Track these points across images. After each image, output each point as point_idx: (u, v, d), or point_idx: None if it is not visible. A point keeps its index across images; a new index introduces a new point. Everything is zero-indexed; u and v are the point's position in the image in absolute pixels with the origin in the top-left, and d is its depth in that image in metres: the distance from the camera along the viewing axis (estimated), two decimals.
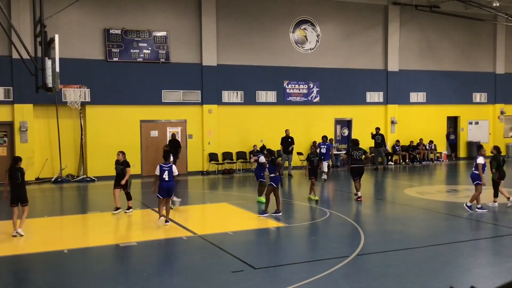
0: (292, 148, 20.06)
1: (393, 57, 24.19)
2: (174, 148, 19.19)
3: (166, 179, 10.78)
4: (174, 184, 11.04)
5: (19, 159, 10.22)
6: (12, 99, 18.00)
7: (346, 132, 24.05)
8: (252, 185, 19.07)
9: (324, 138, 18.94)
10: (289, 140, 20.00)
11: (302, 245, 9.81)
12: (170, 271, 7.83)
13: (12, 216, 10.05)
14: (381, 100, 24.28)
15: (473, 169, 12.30)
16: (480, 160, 12.14)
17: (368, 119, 23.60)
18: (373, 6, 23.74)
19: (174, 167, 10.95)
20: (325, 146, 18.59)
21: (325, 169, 18.70)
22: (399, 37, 24.26)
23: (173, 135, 19.80)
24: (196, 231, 10.33)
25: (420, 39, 24.93)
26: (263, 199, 12.74)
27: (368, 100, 24.01)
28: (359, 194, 13.78)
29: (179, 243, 9.65)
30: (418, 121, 25.01)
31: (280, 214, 11.85)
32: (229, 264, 8.05)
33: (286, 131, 20.19)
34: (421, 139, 24.88)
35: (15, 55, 16.40)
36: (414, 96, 25.04)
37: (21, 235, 9.91)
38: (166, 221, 10.81)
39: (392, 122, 24.34)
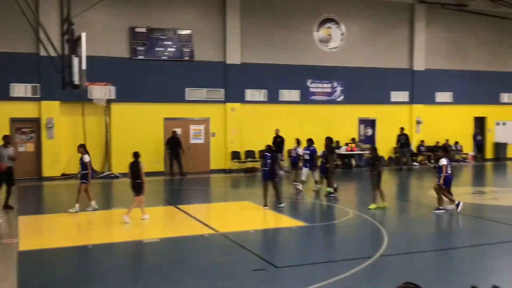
0: (282, 148, 19.81)
1: (419, 56, 23.85)
2: (173, 147, 19.18)
3: None
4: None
5: (137, 155, 11.33)
6: (39, 96, 18.33)
7: (370, 132, 23.82)
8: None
9: (309, 141, 15.59)
10: (278, 140, 19.77)
11: (323, 244, 9.75)
12: (192, 268, 7.86)
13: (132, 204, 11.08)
14: (406, 99, 23.97)
15: None
16: None
17: (392, 119, 23.33)
18: (399, 4, 23.45)
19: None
20: (309, 152, 15.42)
21: (304, 178, 15.48)
22: (425, 36, 23.91)
23: (173, 132, 19.53)
24: (218, 229, 10.36)
25: (447, 38, 24.53)
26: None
27: (392, 99, 23.74)
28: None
29: (201, 241, 9.69)
30: (444, 121, 24.61)
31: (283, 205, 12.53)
32: (250, 262, 8.05)
33: (276, 130, 19.94)
34: (447, 140, 24.49)
35: (43, 53, 16.72)
36: (440, 96, 24.65)
37: (145, 218, 11.05)
38: None
39: (418, 122, 24.01)
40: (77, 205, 12.01)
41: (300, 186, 15.03)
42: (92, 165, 12.81)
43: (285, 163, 20.03)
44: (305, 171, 15.33)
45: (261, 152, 13.19)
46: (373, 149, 13.00)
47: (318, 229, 10.92)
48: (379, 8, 23.14)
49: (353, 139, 22.74)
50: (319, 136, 21.70)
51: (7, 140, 12.74)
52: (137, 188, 11.14)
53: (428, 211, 12.30)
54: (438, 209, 12.04)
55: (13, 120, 18.20)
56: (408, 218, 12.27)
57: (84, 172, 12.12)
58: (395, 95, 23.79)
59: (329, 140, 15.31)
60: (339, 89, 22.76)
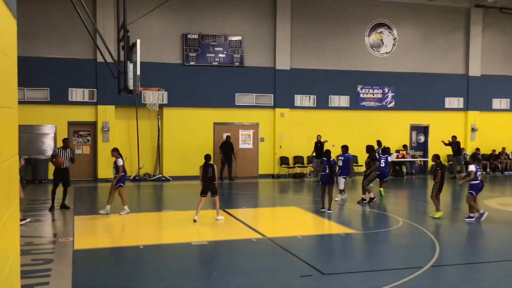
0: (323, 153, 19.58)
1: (475, 61, 23.10)
2: (226, 151, 19.38)
3: None
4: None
5: (209, 157, 11.67)
6: (96, 101, 19.03)
7: (422, 138, 23.25)
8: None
9: (344, 148, 14.69)
10: (319, 145, 19.54)
11: (372, 253, 9.59)
12: (239, 272, 7.94)
13: (198, 204, 11.53)
14: (461, 106, 23.26)
15: None
16: None
17: (446, 126, 22.67)
18: (454, 9, 22.82)
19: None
20: (343, 158, 14.58)
21: (342, 186, 14.52)
22: (481, 40, 23.14)
23: (227, 137, 19.82)
24: (265, 234, 10.40)
25: (504, 43, 23.64)
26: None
27: (446, 105, 23.09)
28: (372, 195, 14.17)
29: (249, 245, 9.76)
30: (501, 129, 23.69)
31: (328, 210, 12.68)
32: (297, 268, 8.04)
33: (318, 136, 19.74)
34: (503, 148, 23.56)
35: (99, 59, 17.37)
36: (497, 103, 23.76)
37: (219, 219, 11.57)
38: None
39: (473, 130, 23.23)
40: (126, 207, 12.37)
41: (342, 196, 14.53)
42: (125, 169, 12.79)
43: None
44: (341, 180, 14.47)
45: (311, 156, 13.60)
46: (436, 157, 12.67)
47: (367, 236, 10.75)
48: (433, 12, 22.60)
49: (404, 146, 22.28)
50: (370, 143, 21.50)
51: (66, 142, 13.30)
52: (214, 189, 11.55)
53: (484, 221, 11.87)
54: (471, 216, 11.90)
55: (71, 124, 18.97)
56: (461, 228, 11.88)
57: (117, 175, 12.22)
58: (449, 101, 23.13)
59: (370, 148, 15.09)
60: (390, 94, 22.37)
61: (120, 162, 12.22)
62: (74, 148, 18.76)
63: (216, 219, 11.55)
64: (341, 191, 14.55)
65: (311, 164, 21.22)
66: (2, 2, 2.93)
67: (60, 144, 13.52)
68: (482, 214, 11.76)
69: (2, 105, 2.89)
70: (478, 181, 11.78)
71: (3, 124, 2.90)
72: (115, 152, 12.45)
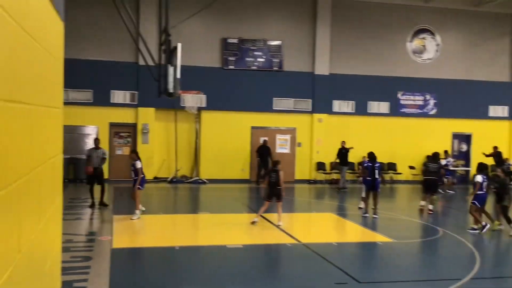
0: (347, 160, 19.24)
1: None
2: (263, 155, 19.35)
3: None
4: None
5: (277, 163, 11.82)
6: (136, 103, 19.41)
7: (464, 147, 22.64)
8: (359, 197, 18.66)
9: (372, 155, 13.68)
10: (343, 151, 19.23)
11: (410, 262, 9.39)
12: (274, 276, 7.92)
13: (261, 208, 11.66)
14: (506, 114, 22.54)
15: None
16: None
17: (490, 135, 22.00)
18: (499, 15, 22.17)
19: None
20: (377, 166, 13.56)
21: (364, 194, 13.61)
22: None
23: (264, 141, 19.74)
24: (300, 239, 10.34)
25: None
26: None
27: (491, 114, 22.43)
28: (430, 207, 13.70)
29: (284, 250, 9.73)
30: None
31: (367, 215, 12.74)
32: (332, 275, 7.95)
33: (342, 142, 19.42)
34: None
35: (141, 62, 17.72)
36: None
37: (280, 225, 11.34)
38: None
39: None
40: (137, 211, 11.96)
41: (362, 205, 13.58)
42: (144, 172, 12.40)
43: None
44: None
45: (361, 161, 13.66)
46: (505, 171, 12.33)
47: (405, 246, 10.54)
48: (478, 18, 22.03)
49: (445, 152, 21.71)
50: (409, 150, 21.16)
51: (97, 142, 13.82)
52: (278, 195, 11.48)
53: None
54: (474, 228, 11.52)
55: (112, 125, 19.42)
56: (504, 241, 11.48)
57: (136, 178, 11.92)
58: (494, 110, 22.46)
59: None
60: (432, 102, 21.91)
61: (138, 164, 11.96)
62: (114, 149, 19.22)
63: (278, 225, 11.33)
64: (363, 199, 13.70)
65: (348, 170, 20.95)
66: (50, 5, 3.03)
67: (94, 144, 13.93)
68: (483, 227, 11.37)
69: (49, 105, 2.99)
70: (483, 192, 11.47)
71: (49, 123, 3.00)
72: (134, 154, 12.28)
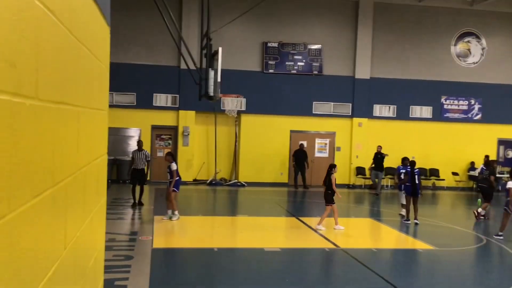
0: (382, 166, 18.83)
1: None
2: (299, 159, 19.28)
3: None
4: None
5: (331, 167, 11.77)
6: (178, 106, 19.73)
7: (510, 154, 21.90)
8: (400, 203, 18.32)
9: (408, 161, 13.44)
10: (379, 156, 18.80)
11: (451, 271, 9.15)
12: (311, 281, 7.88)
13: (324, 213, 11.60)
14: None
15: None
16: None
17: None
18: None
19: None
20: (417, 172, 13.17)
21: (403, 201, 13.32)
22: None
23: (301, 145, 19.70)
24: (338, 244, 10.26)
25: None
26: None
27: None
28: (482, 212, 13.51)
29: (321, 254, 9.66)
30: None
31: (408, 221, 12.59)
32: (371, 282, 7.84)
33: (378, 147, 19.02)
34: None
35: (183, 66, 18.02)
36: None
37: (337, 229, 11.48)
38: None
39: None
40: (176, 212, 12.06)
41: (403, 212, 13.29)
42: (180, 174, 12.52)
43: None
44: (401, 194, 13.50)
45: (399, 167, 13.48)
46: None
47: (447, 254, 10.28)
48: None
49: (486, 157, 21.03)
50: (452, 155, 20.64)
51: (140, 145, 14.27)
52: (328, 198, 11.53)
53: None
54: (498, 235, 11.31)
55: (154, 127, 19.80)
56: None
57: (171, 180, 12.01)
58: None
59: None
60: (477, 106, 21.31)
61: (174, 166, 12.00)
62: (156, 151, 19.59)
63: (334, 228, 11.41)
64: (404, 205, 13.38)
65: (388, 176, 20.64)
66: (98, 10, 3.14)
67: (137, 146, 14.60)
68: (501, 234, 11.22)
69: (97, 107, 3.09)
70: None
71: (96, 125, 3.10)
72: (169, 156, 12.36)
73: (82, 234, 2.78)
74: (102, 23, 3.35)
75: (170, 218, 12.02)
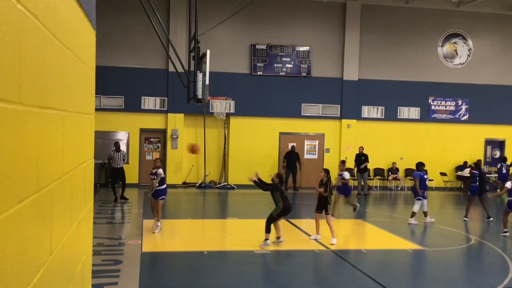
0: (366, 166, 19.00)
1: None
2: (291, 161, 19.33)
3: None
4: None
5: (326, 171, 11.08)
6: (166, 109, 19.67)
7: (497, 154, 22.12)
8: (389, 204, 18.43)
9: (424, 166, 13.49)
10: (363, 158, 18.94)
11: (440, 271, 9.21)
12: (302, 282, 7.88)
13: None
14: None
15: None
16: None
17: None
18: None
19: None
20: (425, 175, 13.39)
21: (425, 208, 13.24)
22: None
23: (292, 147, 19.72)
24: (328, 246, 10.28)
25: None
26: None
27: None
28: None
29: (312, 256, 9.68)
30: None
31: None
32: (361, 283, 7.87)
33: (359, 148, 19.20)
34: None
35: (171, 68, 17.98)
36: None
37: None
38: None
39: None
40: (159, 223, 11.15)
41: (430, 219, 13.17)
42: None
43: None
44: (421, 204, 13.08)
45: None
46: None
47: (436, 253, 10.34)
48: (510, 23, 21.54)
49: (478, 161, 21.28)
50: (440, 156, 20.79)
51: (118, 145, 15.67)
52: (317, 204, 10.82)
53: None
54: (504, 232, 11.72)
55: (143, 131, 19.72)
56: None
57: (158, 188, 11.06)
58: None
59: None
60: (464, 107, 21.50)
61: (162, 171, 11.13)
62: (145, 155, 19.56)
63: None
64: (413, 214, 13.09)
65: (378, 177, 20.75)
66: (83, 14, 3.12)
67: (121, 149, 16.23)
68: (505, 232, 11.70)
69: (83, 111, 3.07)
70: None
71: (82, 129, 3.08)
72: (160, 162, 11.47)
73: (69, 239, 2.76)
74: (88, 26, 3.34)
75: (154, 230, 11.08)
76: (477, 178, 13.92)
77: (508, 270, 8.76)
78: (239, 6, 17.09)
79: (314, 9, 20.43)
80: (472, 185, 14.02)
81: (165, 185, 11.25)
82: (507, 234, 11.60)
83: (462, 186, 20.79)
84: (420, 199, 13.05)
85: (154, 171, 11.09)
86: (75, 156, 2.89)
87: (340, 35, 20.53)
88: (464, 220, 13.73)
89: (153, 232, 10.96)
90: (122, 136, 19.49)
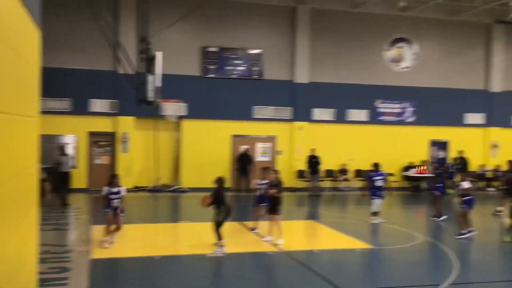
0: (318, 168, 19.46)
1: (496, 77, 22.85)
2: (244, 163, 19.42)
3: None
4: None
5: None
6: (116, 112, 19.25)
7: (441, 154, 22.99)
8: (340, 204, 18.79)
9: (376, 166, 13.84)
10: (314, 160, 19.44)
11: (390, 269, 9.47)
12: (254, 285, 7.89)
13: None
14: (481, 122, 22.97)
15: None
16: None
17: (466, 142, 22.37)
18: (474, 24, 22.65)
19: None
20: (381, 177, 13.65)
21: (378, 209, 13.44)
22: (504, 56, 22.90)
23: (246, 149, 19.78)
24: (281, 247, 10.35)
25: None
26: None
27: (466, 121, 22.83)
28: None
29: (265, 258, 9.72)
30: None
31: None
32: (313, 283, 7.97)
33: (311, 150, 19.65)
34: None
35: (120, 70, 17.63)
36: None
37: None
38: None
39: (494, 146, 22.89)
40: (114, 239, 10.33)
41: (376, 221, 13.28)
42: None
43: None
44: (377, 202, 13.34)
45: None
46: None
47: (385, 252, 10.62)
48: (454, 28, 22.47)
49: (441, 160, 21.97)
50: (388, 157, 21.37)
51: (62, 150, 15.91)
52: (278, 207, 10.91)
53: (500, 238, 11.63)
54: (463, 233, 11.70)
55: (91, 134, 19.22)
56: (481, 247, 11.65)
57: (122, 206, 10.19)
58: (469, 117, 22.87)
59: None
60: (409, 109, 22.21)
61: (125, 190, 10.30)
62: (94, 158, 19.11)
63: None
64: (375, 213, 13.38)
65: (329, 178, 21.09)
66: (26, 16, 3.02)
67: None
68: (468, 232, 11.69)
69: (26, 114, 2.96)
70: (471, 197, 11.81)
71: (24, 132, 2.97)
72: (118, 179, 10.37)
73: (12, 247, 2.65)
74: (32, 27, 3.23)
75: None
76: (443, 178, 14.43)
77: (453, 267, 9.09)
78: (191, 8, 16.99)
79: (266, 12, 20.58)
80: (437, 185, 14.42)
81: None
82: (475, 232, 11.64)
83: (414, 186, 21.41)
84: (373, 199, 13.33)
85: (116, 189, 10.05)
86: (18, 161, 2.78)
87: (291, 39, 20.78)
88: (437, 221, 13.92)
89: (105, 246, 9.96)
90: (69, 140, 18.93)
